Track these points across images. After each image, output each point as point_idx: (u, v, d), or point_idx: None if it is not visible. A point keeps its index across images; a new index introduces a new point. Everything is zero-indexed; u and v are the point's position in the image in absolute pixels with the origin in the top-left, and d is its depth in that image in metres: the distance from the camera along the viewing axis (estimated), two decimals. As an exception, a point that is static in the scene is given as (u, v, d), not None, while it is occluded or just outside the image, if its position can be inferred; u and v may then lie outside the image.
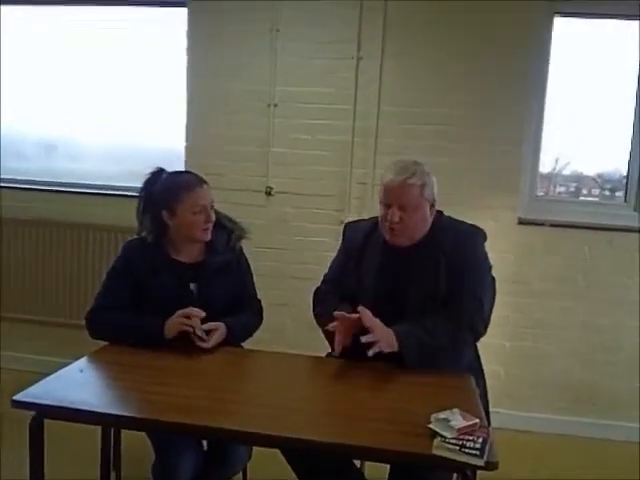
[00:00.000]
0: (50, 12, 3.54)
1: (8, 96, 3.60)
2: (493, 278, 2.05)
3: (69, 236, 3.50)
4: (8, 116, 3.62)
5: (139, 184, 2.09)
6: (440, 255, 1.91)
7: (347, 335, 1.86)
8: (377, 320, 1.81)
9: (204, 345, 1.90)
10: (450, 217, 2.04)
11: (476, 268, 1.93)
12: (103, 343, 1.95)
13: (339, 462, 1.86)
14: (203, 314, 1.92)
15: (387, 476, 1.75)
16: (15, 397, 1.49)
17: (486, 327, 1.92)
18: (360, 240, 2.07)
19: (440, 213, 2.03)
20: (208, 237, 2.04)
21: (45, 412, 1.50)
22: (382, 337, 1.76)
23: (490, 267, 2.01)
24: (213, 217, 2.03)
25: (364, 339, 1.73)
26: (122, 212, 3.28)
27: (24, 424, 1.50)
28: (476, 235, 1.97)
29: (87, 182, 3.58)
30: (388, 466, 1.72)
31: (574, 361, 3.18)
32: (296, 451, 1.78)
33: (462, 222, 2.02)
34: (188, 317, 1.91)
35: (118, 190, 3.48)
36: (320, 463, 1.82)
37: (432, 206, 1.96)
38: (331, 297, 2.08)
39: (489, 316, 1.96)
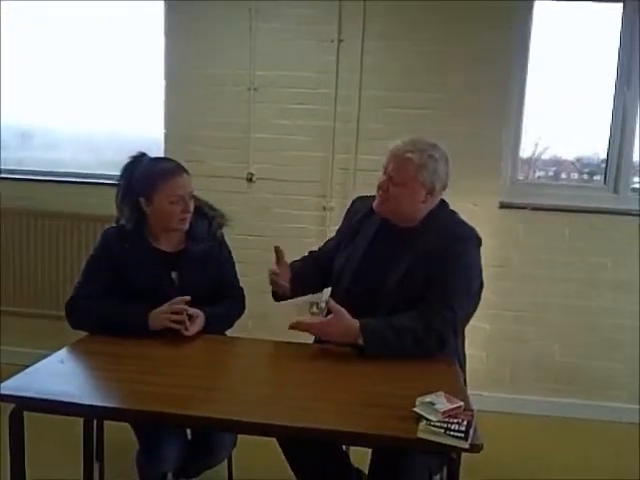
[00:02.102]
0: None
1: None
2: (481, 285, 1.95)
3: (47, 226, 3.44)
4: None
5: (117, 172, 2.05)
6: (424, 249, 1.85)
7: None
8: (342, 312, 1.78)
9: (186, 333, 1.88)
10: (452, 213, 1.97)
11: (457, 276, 1.83)
12: (83, 333, 1.92)
13: (327, 447, 1.86)
14: (188, 303, 1.90)
15: (369, 461, 1.75)
16: (-7, 390, 1.46)
17: (457, 336, 1.88)
18: (359, 217, 2.05)
19: (443, 205, 1.97)
20: (186, 227, 2.01)
21: (25, 404, 1.47)
22: (334, 330, 1.76)
23: (476, 275, 1.91)
24: (191, 207, 1.99)
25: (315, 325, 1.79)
26: (101, 201, 3.24)
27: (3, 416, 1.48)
28: (467, 241, 1.88)
29: (64, 170, 3.51)
30: (370, 451, 1.73)
31: (555, 343, 3.23)
32: (282, 437, 1.77)
33: (460, 222, 1.94)
34: (175, 312, 1.87)
35: (96, 178, 3.42)
36: (309, 448, 1.82)
37: (429, 193, 1.88)
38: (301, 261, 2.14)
39: (462, 324, 1.91)
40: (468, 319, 1.96)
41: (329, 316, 1.80)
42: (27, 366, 1.63)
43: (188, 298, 1.90)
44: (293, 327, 1.80)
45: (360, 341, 1.75)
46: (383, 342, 1.75)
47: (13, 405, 1.47)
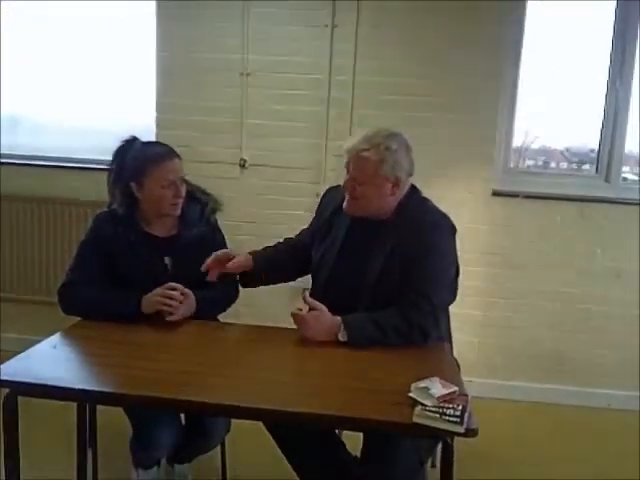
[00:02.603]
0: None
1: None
2: (457, 271, 1.93)
3: (41, 211, 3.40)
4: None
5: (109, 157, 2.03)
6: (397, 240, 1.82)
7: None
8: (321, 308, 1.79)
9: (172, 318, 1.86)
10: (423, 200, 1.93)
11: (432, 265, 1.80)
12: (75, 319, 1.91)
13: (322, 432, 1.87)
14: (180, 291, 1.88)
15: (361, 447, 1.76)
16: (-14, 375, 1.45)
17: (438, 326, 1.84)
18: (331, 210, 2.02)
19: (413, 193, 1.93)
20: (177, 212, 1.99)
21: (18, 389, 1.46)
22: (317, 326, 1.76)
23: (451, 263, 1.88)
24: (183, 191, 1.97)
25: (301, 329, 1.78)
26: (93, 186, 3.22)
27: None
28: (439, 229, 1.85)
29: (55, 155, 3.47)
30: (361, 435, 1.74)
31: (547, 330, 3.25)
32: (277, 422, 1.78)
33: (431, 210, 1.90)
34: (168, 297, 1.86)
35: (87, 163, 3.38)
36: (302, 434, 1.82)
37: (395, 185, 1.84)
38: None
39: (440, 311, 1.87)
40: (447, 305, 1.95)
41: (309, 312, 1.79)
42: (17, 352, 1.61)
43: (180, 286, 1.88)
44: (293, 315, 1.81)
45: (341, 337, 1.75)
46: (366, 338, 1.75)
47: (7, 390, 1.46)
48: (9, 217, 3.42)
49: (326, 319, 1.78)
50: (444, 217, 1.89)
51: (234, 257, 1.98)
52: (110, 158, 2.03)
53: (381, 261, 1.83)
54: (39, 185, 3.40)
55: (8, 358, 1.55)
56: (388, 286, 1.81)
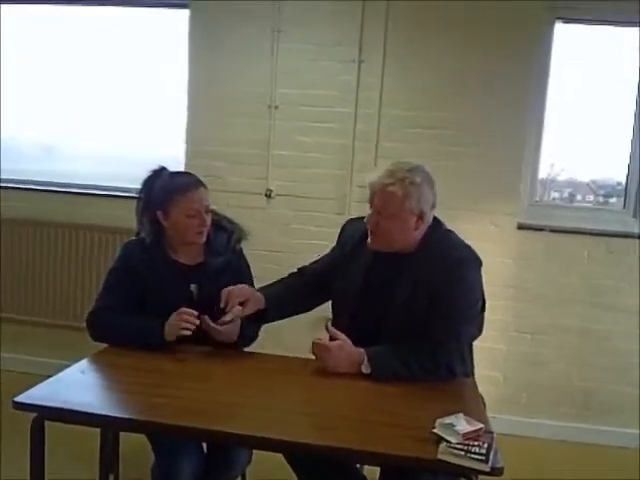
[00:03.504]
0: (50, 12, 3.52)
1: (8, 97, 3.58)
2: (483, 304, 1.91)
3: (67, 236, 3.48)
4: (8, 118, 3.61)
5: (130, 185, 2.08)
6: (422, 273, 1.81)
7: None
8: (340, 341, 1.78)
9: (220, 328, 1.87)
10: (446, 233, 1.91)
11: (459, 302, 1.78)
12: (103, 345, 1.93)
13: (342, 466, 1.85)
14: (196, 314, 1.89)
15: (378, 477, 1.74)
16: (16, 399, 1.47)
17: (465, 364, 1.83)
18: (354, 241, 2.01)
19: (436, 225, 1.91)
20: (202, 240, 2.02)
21: (46, 414, 1.49)
22: (341, 358, 1.75)
23: (478, 298, 1.86)
24: (208, 221, 2.00)
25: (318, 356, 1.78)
26: (122, 213, 3.28)
27: (22, 424, 1.49)
28: (465, 264, 1.82)
29: (85, 183, 3.56)
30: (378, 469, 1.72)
31: (572, 366, 3.19)
32: (298, 455, 1.77)
33: (455, 243, 1.88)
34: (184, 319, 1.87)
35: (116, 191, 3.47)
36: (322, 467, 1.81)
37: (420, 219, 1.83)
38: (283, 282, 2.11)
39: (466, 351, 1.86)
40: (473, 339, 1.93)
41: (332, 343, 1.78)
42: (47, 376, 1.64)
43: (196, 314, 1.90)
44: (314, 344, 1.81)
45: (364, 369, 1.74)
46: (391, 372, 1.73)
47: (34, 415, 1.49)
48: (40, 242, 3.50)
49: (349, 350, 1.77)
50: (470, 251, 1.86)
51: (246, 300, 1.92)
52: (139, 186, 2.08)
53: (406, 293, 1.82)
54: (69, 211, 3.48)
55: (36, 382, 1.58)
56: (412, 319, 1.80)
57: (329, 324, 1.88)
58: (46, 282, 3.53)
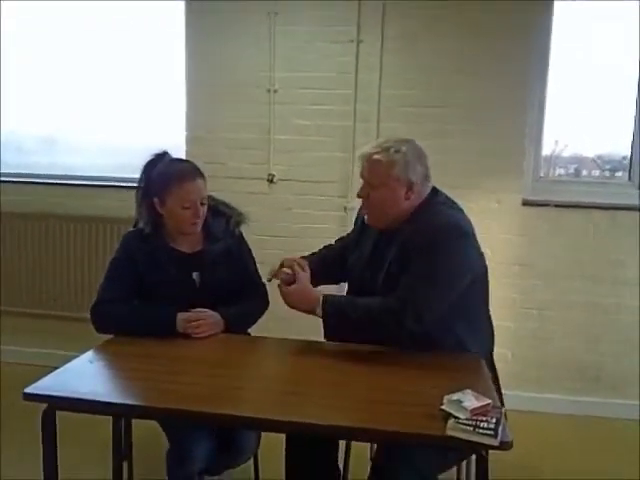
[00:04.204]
0: (49, 5, 3.49)
1: (9, 91, 3.58)
2: (477, 278, 1.86)
3: (70, 229, 3.49)
4: (9, 111, 3.61)
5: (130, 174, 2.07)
6: (406, 243, 1.81)
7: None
8: (306, 283, 1.87)
9: (199, 335, 1.90)
10: (438, 204, 1.89)
11: (427, 263, 1.75)
12: (107, 336, 1.93)
13: (326, 445, 1.93)
14: (203, 318, 1.93)
15: (373, 457, 1.78)
16: (26, 390, 1.48)
17: (420, 322, 1.75)
18: (362, 222, 2.05)
19: (432, 199, 1.90)
20: (196, 231, 2.00)
21: (57, 404, 1.50)
22: (299, 296, 1.84)
23: (454, 268, 1.79)
24: (203, 212, 1.98)
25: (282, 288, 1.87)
26: (123, 203, 3.29)
27: (29, 416, 1.50)
28: (444, 231, 1.79)
29: (86, 174, 3.57)
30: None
31: (580, 341, 3.19)
32: (307, 435, 1.80)
33: (442, 215, 1.85)
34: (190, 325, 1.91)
35: (118, 181, 3.47)
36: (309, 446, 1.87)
37: (409, 189, 1.84)
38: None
39: (427, 314, 1.76)
40: (438, 306, 1.79)
41: (290, 287, 1.87)
42: (53, 367, 1.65)
43: (204, 313, 1.94)
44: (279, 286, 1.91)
45: (318, 311, 1.80)
46: (340, 314, 1.79)
47: (45, 405, 1.50)
48: (42, 234, 3.51)
49: (306, 294, 1.85)
50: (452, 220, 1.84)
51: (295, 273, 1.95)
52: (133, 175, 2.08)
53: (387, 264, 1.85)
54: (70, 203, 3.49)
55: (44, 373, 1.59)
56: (393, 285, 1.80)
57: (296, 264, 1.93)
58: (50, 274, 3.53)
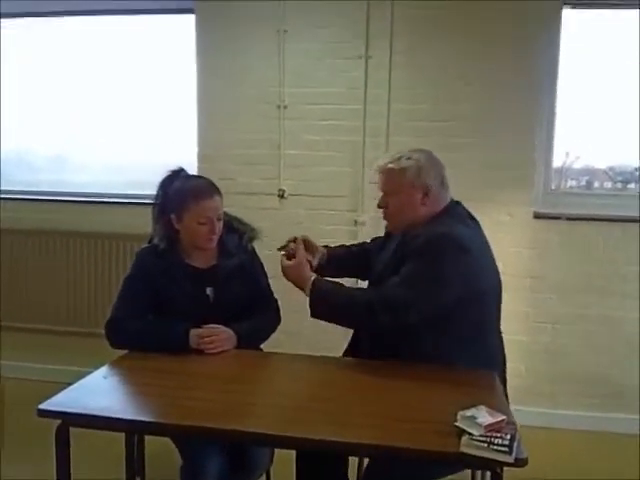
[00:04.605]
0: (56, 24, 3.56)
1: (19, 110, 3.64)
2: (467, 297, 1.80)
3: (80, 245, 3.51)
4: (20, 130, 3.67)
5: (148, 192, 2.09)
6: (404, 248, 1.86)
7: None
8: (303, 262, 1.95)
9: (212, 351, 1.91)
10: (449, 218, 1.89)
11: (413, 265, 1.77)
12: (119, 351, 1.95)
13: (337, 460, 1.95)
14: (217, 334, 1.95)
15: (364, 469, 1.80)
16: (40, 406, 1.49)
17: (394, 319, 1.75)
18: (385, 234, 2.14)
19: (449, 209, 1.92)
20: (212, 246, 2.03)
21: (70, 420, 1.50)
22: (294, 271, 1.93)
23: (439, 278, 1.77)
24: (219, 228, 2.01)
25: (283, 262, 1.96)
26: (133, 220, 3.32)
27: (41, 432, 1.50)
28: (437, 240, 1.78)
29: (94, 191, 3.61)
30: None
31: (593, 355, 3.15)
32: (320, 452, 1.80)
33: (444, 225, 1.84)
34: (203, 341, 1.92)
35: (127, 198, 3.51)
36: (320, 460, 1.90)
37: (425, 195, 1.88)
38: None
39: (402, 314, 1.76)
40: (410, 310, 1.77)
41: (287, 263, 1.95)
42: (68, 383, 1.66)
43: (217, 329, 1.96)
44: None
45: (307, 291, 1.87)
46: (323, 298, 1.86)
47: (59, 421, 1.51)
48: (55, 251, 3.54)
49: (300, 273, 1.92)
50: (453, 232, 1.80)
51: (313, 248, 2.10)
52: (153, 191, 2.09)
53: (388, 272, 1.89)
54: (80, 220, 3.52)
55: (58, 389, 1.60)
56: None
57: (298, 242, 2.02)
58: (62, 290, 3.56)
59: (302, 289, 1.90)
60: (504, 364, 1.98)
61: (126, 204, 3.49)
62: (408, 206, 1.90)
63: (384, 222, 2.04)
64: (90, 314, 3.52)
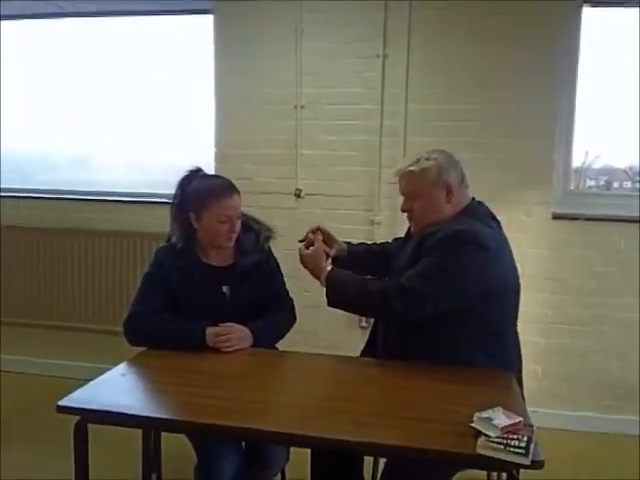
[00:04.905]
0: (80, 25, 3.61)
1: (44, 110, 3.70)
2: (487, 293, 1.81)
3: (98, 243, 3.56)
4: (43, 130, 3.73)
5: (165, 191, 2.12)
6: (423, 243, 1.85)
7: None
8: (320, 251, 1.98)
9: (228, 350, 1.92)
10: (470, 218, 1.88)
11: (432, 258, 1.78)
12: (138, 349, 1.96)
13: (352, 459, 1.96)
14: (233, 332, 1.96)
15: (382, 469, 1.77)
16: (59, 402, 1.51)
17: (407, 310, 1.76)
18: (408, 229, 2.12)
19: (470, 209, 1.93)
20: (231, 245, 2.05)
21: (89, 416, 1.52)
22: (311, 260, 1.96)
23: (456, 273, 1.77)
24: (238, 226, 2.03)
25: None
26: (153, 218, 3.35)
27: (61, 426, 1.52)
28: (458, 238, 1.78)
29: (116, 190, 3.65)
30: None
31: (612, 357, 3.12)
32: (325, 455, 1.85)
33: (467, 224, 1.83)
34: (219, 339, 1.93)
35: (144, 197, 3.54)
36: (335, 460, 1.90)
37: (449, 192, 1.89)
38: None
39: (418, 305, 1.76)
40: (426, 304, 1.77)
41: (304, 252, 1.99)
42: (87, 380, 1.68)
43: (233, 327, 1.97)
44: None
45: (322, 280, 1.90)
46: (339, 287, 1.88)
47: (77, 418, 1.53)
48: (74, 249, 3.59)
49: (316, 262, 1.96)
50: (473, 230, 1.81)
51: (332, 241, 2.13)
52: (171, 191, 2.11)
53: (404, 266, 1.90)
54: (104, 219, 3.57)
55: (77, 386, 1.62)
56: None
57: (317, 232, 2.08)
58: (83, 288, 3.61)
59: (318, 278, 1.93)
60: (520, 364, 1.97)
61: (145, 203, 3.51)
62: (433, 206, 1.91)
63: (407, 224, 2.04)
64: (109, 312, 3.55)
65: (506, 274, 1.88)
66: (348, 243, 2.22)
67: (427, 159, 1.92)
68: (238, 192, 2.04)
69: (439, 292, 1.76)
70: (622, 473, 2.69)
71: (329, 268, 1.93)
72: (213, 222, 1.98)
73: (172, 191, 2.10)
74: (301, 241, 2.09)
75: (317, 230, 2.11)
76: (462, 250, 1.77)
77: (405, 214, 1.99)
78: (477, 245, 1.78)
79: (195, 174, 2.08)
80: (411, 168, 1.92)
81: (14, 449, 2.67)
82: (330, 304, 1.90)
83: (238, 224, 2.03)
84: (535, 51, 3.00)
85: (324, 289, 1.90)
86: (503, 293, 1.87)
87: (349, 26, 3.16)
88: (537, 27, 2.99)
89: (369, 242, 2.38)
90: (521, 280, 1.94)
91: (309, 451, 1.90)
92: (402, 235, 2.18)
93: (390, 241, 2.33)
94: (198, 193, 2.01)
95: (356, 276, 1.93)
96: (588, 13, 3.06)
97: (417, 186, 1.91)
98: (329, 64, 3.20)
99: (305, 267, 1.98)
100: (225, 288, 2.06)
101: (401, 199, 1.98)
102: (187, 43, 3.46)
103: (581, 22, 3.05)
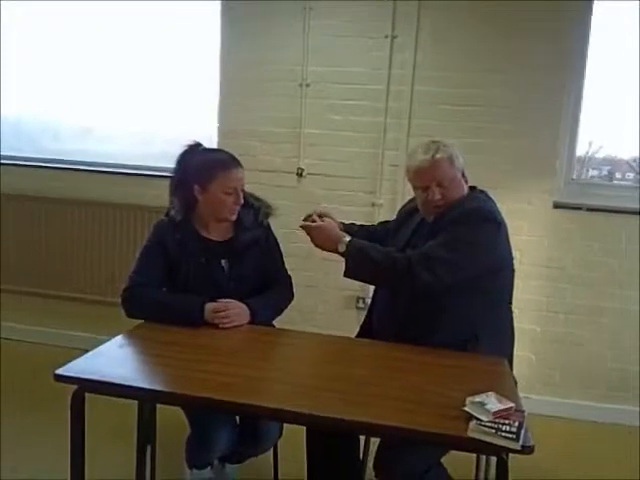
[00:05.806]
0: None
1: (49, 81, 3.67)
2: (501, 268, 1.95)
3: (100, 214, 3.56)
4: (48, 101, 3.71)
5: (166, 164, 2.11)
6: (438, 222, 1.93)
7: None
8: (333, 223, 2.04)
9: (226, 325, 1.93)
10: (477, 196, 2.00)
11: (451, 233, 1.85)
12: (137, 321, 1.97)
13: (347, 438, 1.98)
14: (230, 307, 1.96)
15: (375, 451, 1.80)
16: (57, 371, 1.53)
17: (433, 275, 1.81)
18: (407, 210, 2.17)
19: (472, 191, 2.02)
20: (234, 217, 2.05)
21: (86, 386, 1.54)
22: (325, 231, 1.96)
23: (470, 247, 1.86)
24: (242, 199, 2.04)
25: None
26: (156, 191, 3.34)
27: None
28: (474, 214, 1.89)
29: (118, 162, 3.64)
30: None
31: (607, 347, 3.14)
32: (319, 434, 1.87)
33: (476, 201, 1.96)
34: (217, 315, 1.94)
35: (148, 170, 3.53)
36: (330, 438, 1.92)
37: (463, 174, 1.99)
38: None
39: (441, 271, 1.82)
40: (447, 272, 1.84)
41: (314, 224, 2.00)
42: (85, 350, 1.70)
43: (231, 303, 1.98)
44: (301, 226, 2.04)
45: (340, 248, 1.89)
46: (361, 255, 1.87)
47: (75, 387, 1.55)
48: (75, 219, 3.59)
49: (330, 231, 1.97)
50: (487, 206, 1.94)
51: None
52: (172, 164, 2.11)
53: (415, 239, 1.97)
54: (103, 190, 3.56)
55: (75, 356, 1.64)
56: None
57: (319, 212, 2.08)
58: (81, 258, 3.61)
59: (333, 250, 1.92)
60: (513, 342, 2.02)
61: (147, 176, 3.50)
62: (459, 190, 1.97)
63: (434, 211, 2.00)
64: (108, 283, 3.55)
65: (508, 251, 1.97)
66: (342, 223, 2.21)
67: (445, 145, 1.96)
68: (242, 166, 2.05)
69: (462, 262, 1.84)
70: (612, 461, 2.73)
71: (348, 237, 1.93)
72: (219, 193, 1.99)
73: (170, 165, 2.10)
74: (305, 219, 2.07)
75: (323, 215, 2.09)
76: (481, 224, 1.88)
77: (432, 205, 1.95)
78: (492, 220, 1.90)
79: (195, 148, 2.08)
80: (439, 155, 1.92)
81: (12, 416, 2.70)
82: (349, 273, 1.90)
83: (242, 197, 2.04)
84: (545, 39, 2.97)
85: (344, 259, 1.89)
86: (507, 267, 1.98)
87: (358, 6, 3.11)
88: (548, 16, 2.95)
89: (357, 223, 2.35)
90: (520, 267, 1.99)
91: (301, 427, 1.92)
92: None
93: (386, 221, 2.36)
94: (204, 165, 2.02)
95: (376, 245, 1.94)
96: (597, 4, 3.01)
97: (450, 171, 1.94)
98: (336, 43, 3.16)
99: (316, 242, 1.97)
100: (224, 262, 2.07)
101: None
102: (194, 18, 3.41)
103: (592, 13, 3.00)
